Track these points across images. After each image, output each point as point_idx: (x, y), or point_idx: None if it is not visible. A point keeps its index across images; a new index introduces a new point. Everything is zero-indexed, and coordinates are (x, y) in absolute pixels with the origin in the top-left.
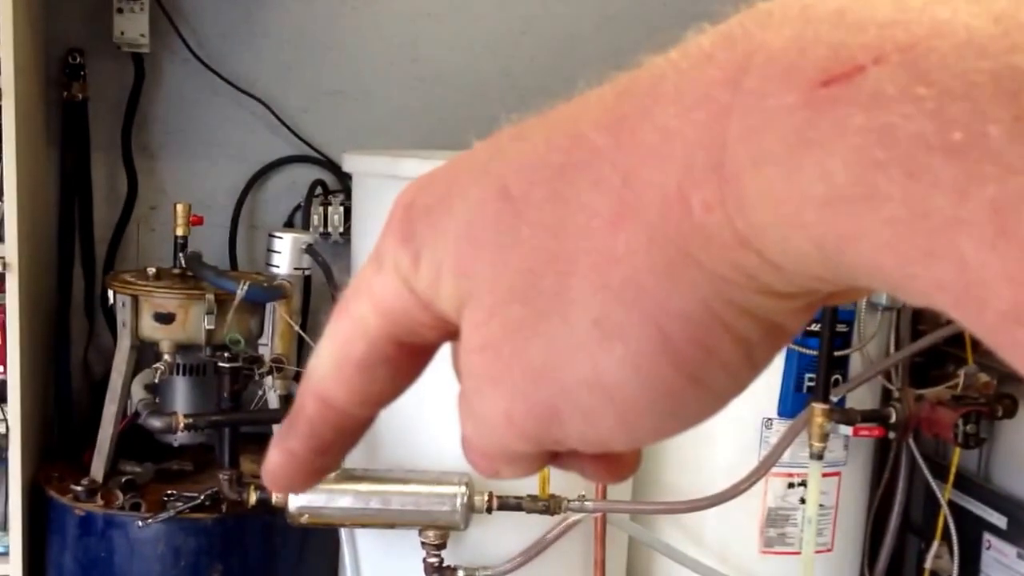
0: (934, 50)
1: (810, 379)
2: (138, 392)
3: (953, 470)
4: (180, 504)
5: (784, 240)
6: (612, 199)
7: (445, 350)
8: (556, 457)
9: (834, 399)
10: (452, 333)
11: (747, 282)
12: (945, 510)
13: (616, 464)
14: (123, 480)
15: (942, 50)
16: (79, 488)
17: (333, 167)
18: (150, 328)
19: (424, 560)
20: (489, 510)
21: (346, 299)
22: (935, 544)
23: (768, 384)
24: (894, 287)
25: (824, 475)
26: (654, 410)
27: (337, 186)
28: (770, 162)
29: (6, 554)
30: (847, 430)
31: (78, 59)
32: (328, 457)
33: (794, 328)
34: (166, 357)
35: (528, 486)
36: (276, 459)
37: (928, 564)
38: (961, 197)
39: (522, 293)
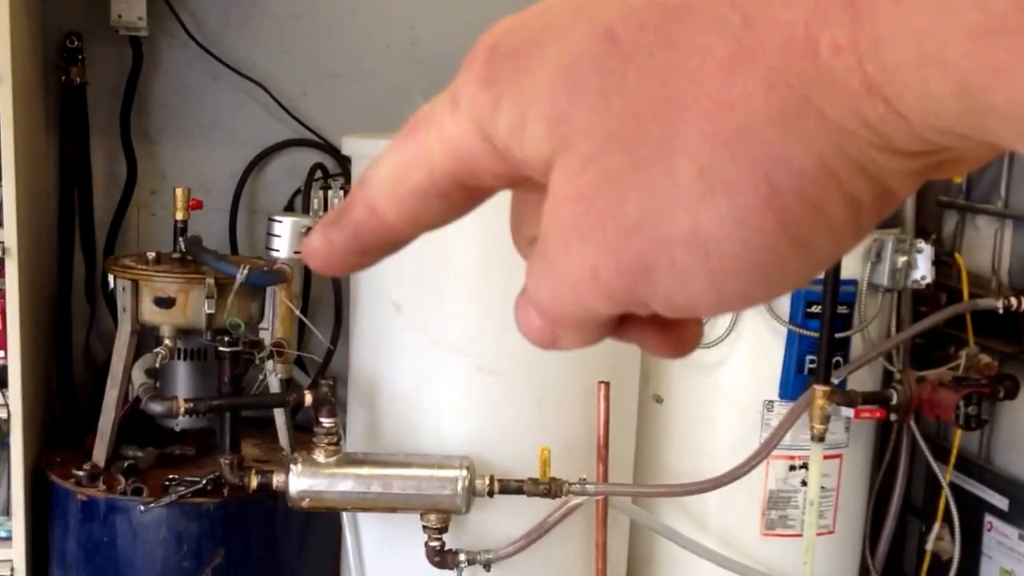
0: None
1: (811, 361)
2: (139, 377)
3: (954, 452)
4: (182, 489)
5: (922, 82)
6: (730, 41)
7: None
8: (620, 327)
9: (835, 381)
10: (515, 182)
11: (868, 135)
12: (946, 492)
13: (680, 338)
14: (125, 465)
15: None
16: (81, 473)
17: (333, 150)
18: (151, 313)
19: (426, 544)
20: (491, 494)
21: (417, 122)
22: (936, 526)
23: (769, 366)
24: None
25: (825, 457)
26: (750, 272)
27: (337, 169)
28: None
29: (9, 539)
30: (848, 412)
31: (76, 43)
32: (365, 258)
33: (904, 193)
34: (167, 342)
35: (529, 470)
36: (317, 242)
37: (929, 546)
38: None
39: (624, 141)
